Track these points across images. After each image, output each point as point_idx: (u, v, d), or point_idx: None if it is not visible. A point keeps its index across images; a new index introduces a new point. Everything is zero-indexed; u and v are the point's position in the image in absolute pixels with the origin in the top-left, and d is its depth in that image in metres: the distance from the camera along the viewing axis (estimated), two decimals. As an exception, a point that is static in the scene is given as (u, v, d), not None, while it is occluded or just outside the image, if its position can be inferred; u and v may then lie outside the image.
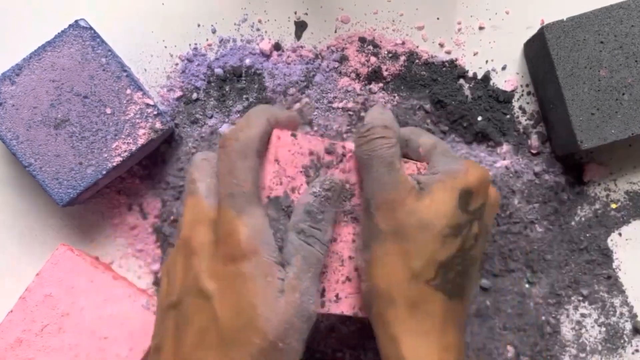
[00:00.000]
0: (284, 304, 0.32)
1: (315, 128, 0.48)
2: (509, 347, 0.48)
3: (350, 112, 0.48)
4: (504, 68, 0.50)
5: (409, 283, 0.34)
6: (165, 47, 0.49)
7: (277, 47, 0.49)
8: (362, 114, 0.48)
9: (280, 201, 0.36)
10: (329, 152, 0.37)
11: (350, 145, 0.38)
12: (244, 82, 0.49)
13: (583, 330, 0.49)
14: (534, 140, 0.49)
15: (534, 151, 0.49)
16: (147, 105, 0.44)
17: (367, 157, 0.36)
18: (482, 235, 0.37)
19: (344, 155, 0.38)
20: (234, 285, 0.33)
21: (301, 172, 0.37)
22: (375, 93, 0.49)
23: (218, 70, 0.49)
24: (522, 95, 0.50)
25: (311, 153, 0.37)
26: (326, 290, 0.37)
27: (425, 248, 0.34)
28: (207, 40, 0.49)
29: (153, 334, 0.37)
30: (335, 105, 0.48)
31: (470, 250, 0.35)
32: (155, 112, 0.44)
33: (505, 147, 0.49)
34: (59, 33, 0.44)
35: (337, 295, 0.38)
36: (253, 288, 0.32)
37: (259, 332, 0.32)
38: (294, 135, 0.37)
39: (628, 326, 0.49)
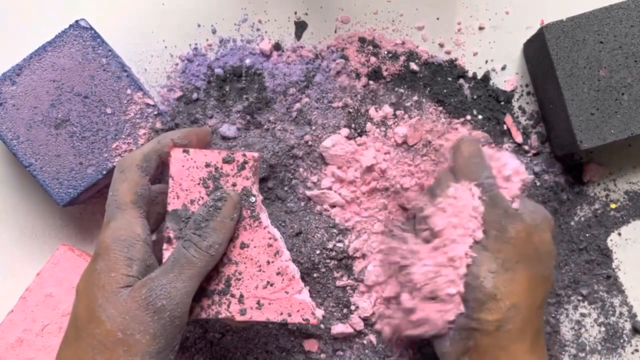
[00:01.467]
0: (126, 297, 0.35)
1: (314, 127, 0.48)
2: (509, 347, 0.48)
3: (350, 109, 0.48)
4: (503, 68, 0.50)
5: (541, 306, 0.40)
6: (166, 47, 0.49)
7: (277, 47, 0.49)
8: (361, 110, 0.48)
9: (179, 213, 0.38)
10: (227, 161, 0.39)
11: (253, 153, 0.39)
12: (244, 82, 0.49)
13: (582, 330, 0.49)
14: (533, 140, 0.49)
15: (533, 151, 0.49)
16: (148, 105, 0.44)
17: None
18: None
19: (245, 162, 0.39)
20: (88, 282, 0.36)
21: (199, 184, 0.39)
22: (375, 92, 0.49)
23: (218, 70, 0.49)
24: (522, 95, 0.50)
25: (208, 165, 0.39)
26: (244, 297, 0.38)
27: (552, 276, 0.40)
28: (207, 40, 0.49)
29: None
30: (335, 104, 0.48)
31: None
32: (155, 112, 0.45)
33: (505, 147, 0.49)
34: (59, 33, 0.44)
35: (258, 302, 0.38)
36: (98, 282, 0.35)
37: (98, 322, 0.35)
38: (186, 151, 0.39)
39: (627, 326, 0.49)
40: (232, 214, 0.38)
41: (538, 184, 0.49)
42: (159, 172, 0.40)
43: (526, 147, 0.49)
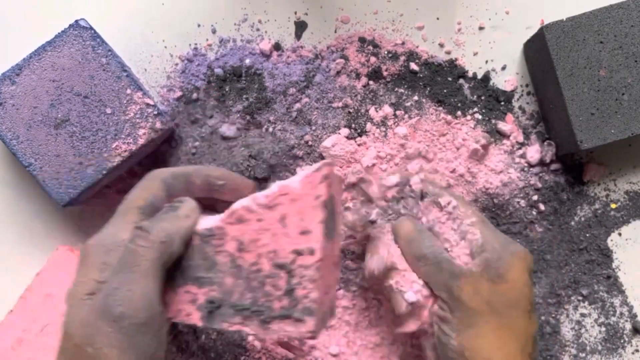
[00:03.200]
0: (88, 307, 0.31)
1: (314, 127, 0.48)
2: (509, 347, 0.48)
3: (350, 109, 0.48)
4: (503, 68, 0.50)
5: (525, 352, 0.37)
6: (166, 47, 0.49)
7: (277, 47, 0.49)
8: (361, 110, 0.48)
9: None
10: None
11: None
12: (244, 82, 0.49)
13: (583, 330, 0.49)
14: (533, 140, 0.49)
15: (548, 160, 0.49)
16: (147, 105, 0.44)
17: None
18: None
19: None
20: (67, 290, 0.33)
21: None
22: (375, 92, 0.49)
23: (218, 70, 0.49)
24: (522, 95, 0.50)
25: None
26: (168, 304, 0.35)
27: (529, 318, 0.38)
28: (207, 40, 0.49)
29: None
30: (335, 104, 0.48)
31: None
32: (155, 112, 0.45)
33: (504, 147, 0.49)
34: (59, 33, 0.44)
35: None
36: (70, 290, 0.33)
37: (65, 335, 0.32)
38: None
39: (628, 326, 0.49)
40: (186, 213, 0.35)
41: (539, 185, 0.49)
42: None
43: (546, 159, 0.49)
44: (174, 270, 0.36)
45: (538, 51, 0.47)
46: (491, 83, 0.50)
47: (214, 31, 0.49)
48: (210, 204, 0.40)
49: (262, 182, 0.48)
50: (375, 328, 0.47)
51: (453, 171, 0.47)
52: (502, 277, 0.37)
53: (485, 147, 0.48)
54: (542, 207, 0.49)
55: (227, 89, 0.49)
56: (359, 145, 0.48)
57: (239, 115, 0.48)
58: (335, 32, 0.50)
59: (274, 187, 0.35)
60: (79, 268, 0.33)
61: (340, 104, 0.48)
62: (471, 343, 0.37)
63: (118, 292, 0.31)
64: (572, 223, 0.49)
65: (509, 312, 0.37)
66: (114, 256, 0.33)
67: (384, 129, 0.48)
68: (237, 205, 0.35)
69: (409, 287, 0.39)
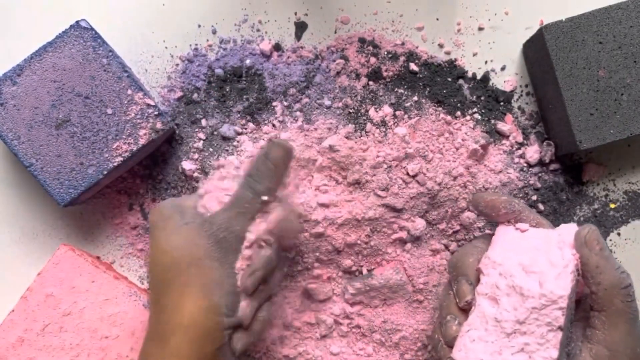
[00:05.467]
0: (189, 229, 0.39)
1: (314, 127, 0.48)
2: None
3: (350, 110, 0.48)
4: (503, 68, 0.50)
5: None
6: (166, 47, 0.49)
7: (277, 47, 0.49)
8: (361, 110, 0.48)
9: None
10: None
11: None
12: (244, 82, 0.49)
13: (582, 330, 0.49)
14: (533, 141, 0.49)
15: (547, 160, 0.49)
16: (148, 105, 0.45)
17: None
18: None
19: None
20: (152, 236, 0.41)
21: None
22: (375, 92, 0.49)
23: (218, 71, 0.49)
24: (522, 95, 0.50)
25: None
26: None
27: None
28: (208, 40, 0.49)
29: None
30: (335, 105, 0.49)
31: None
32: (156, 113, 0.45)
33: (503, 147, 0.49)
34: (60, 34, 0.44)
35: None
36: (157, 231, 0.40)
37: (164, 253, 0.39)
38: None
39: (627, 325, 0.49)
40: (281, 159, 0.41)
41: (538, 185, 0.49)
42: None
43: (545, 159, 0.49)
44: None
45: (537, 52, 0.47)
46: (491, 83, 0.50)
47: (214, 32, 0.50)
48: None
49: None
50: (374, 334, 0.48)
51: (452, 171, 0.47)
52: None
53: (484, 147, 0.48)
54: (541, 207, 0.49)
55: (227, 90, 0.49)
56: (359, 145, 0.48)
57: (239, 115, 0.48)
58: (335, 32, 0.50)
59: None
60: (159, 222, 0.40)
61: (340, 104, 0.49)
62: None
63: (224, 223, 0.38)
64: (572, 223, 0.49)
65: None
66: (188, 205, 0.41)
67: (383, 129, 0.48)
68: None
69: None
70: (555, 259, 0.36)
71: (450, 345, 0.38)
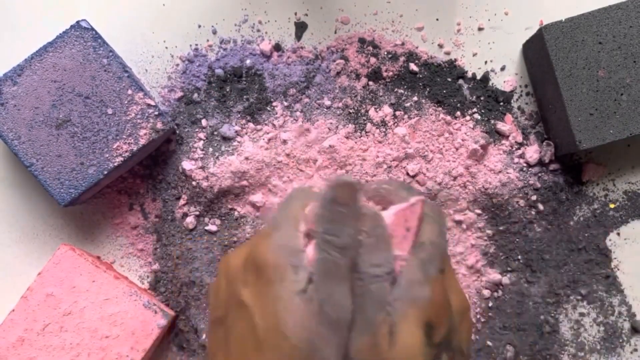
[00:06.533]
0: (303, 309, 0.32)
1: (314, 127, 0.48)
2: (509, 347, 0.48)
3: (350, 110, 0.49)
4: (503, 69, 0.50)
5: None
6: (166, 47, 0.50)
7: (277, 47, 0.49)
8: (361, 111, 0.48)
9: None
10: None
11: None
12: (245, 82, 0.49)
13: (582, 330, 0.49)
14: (532, 141, 0.49)
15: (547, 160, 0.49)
16: (148, 105, 0.45)
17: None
18: (457, 358, 0.36)
19: None
20: (261, 292, 0.34)
21: None
22: (375, 92, 0.49)
23: (218, 71, 0.49)
24: (521, 95, 0.50)
25: None
26: None
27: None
28: (208, 41, 0.50)
29: (207, 345, 0.39)
30: (335, 105, 0.49)
31: None
32: (156, 113, 0.45)
33: (503, 147, 0.49)
34: (60, 34, 0.44)
35: None
36: (273, 292, 0.33)
37: (282, 336, 0.32)
38: None
39: (626, 325, 0.49)
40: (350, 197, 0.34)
41: (538, 185, 0.49)
42: None
43: (544, 159, 0.49)
44: None
45: (537, 52, 0.47)
46: (490, 83, 0.50)
47: (214, 32, 0.50)
48: None
49: (262, 182, 0.48)
50: None
51: (452, 171, 0.47)
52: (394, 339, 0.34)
53: (484, 147, 0.48)
54: (541, 207, 0.49)
55: (227, 90, 0.49)
56: (359, 145, 0.48)
57: (239, 115, 0.48)
58: (335, 32, 0.50)
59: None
60: (264, 271, 0.34)
61: (340, 105, 0.49)
62: None
63: (331, 299, 0.33)
64: (571, 223, 0.49)
65: None
66: (300, 260, 0.33)
67: (383, 130, 0.48)
68: None
69: None
70: None
71: None
